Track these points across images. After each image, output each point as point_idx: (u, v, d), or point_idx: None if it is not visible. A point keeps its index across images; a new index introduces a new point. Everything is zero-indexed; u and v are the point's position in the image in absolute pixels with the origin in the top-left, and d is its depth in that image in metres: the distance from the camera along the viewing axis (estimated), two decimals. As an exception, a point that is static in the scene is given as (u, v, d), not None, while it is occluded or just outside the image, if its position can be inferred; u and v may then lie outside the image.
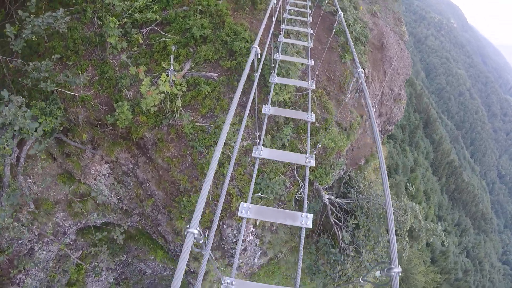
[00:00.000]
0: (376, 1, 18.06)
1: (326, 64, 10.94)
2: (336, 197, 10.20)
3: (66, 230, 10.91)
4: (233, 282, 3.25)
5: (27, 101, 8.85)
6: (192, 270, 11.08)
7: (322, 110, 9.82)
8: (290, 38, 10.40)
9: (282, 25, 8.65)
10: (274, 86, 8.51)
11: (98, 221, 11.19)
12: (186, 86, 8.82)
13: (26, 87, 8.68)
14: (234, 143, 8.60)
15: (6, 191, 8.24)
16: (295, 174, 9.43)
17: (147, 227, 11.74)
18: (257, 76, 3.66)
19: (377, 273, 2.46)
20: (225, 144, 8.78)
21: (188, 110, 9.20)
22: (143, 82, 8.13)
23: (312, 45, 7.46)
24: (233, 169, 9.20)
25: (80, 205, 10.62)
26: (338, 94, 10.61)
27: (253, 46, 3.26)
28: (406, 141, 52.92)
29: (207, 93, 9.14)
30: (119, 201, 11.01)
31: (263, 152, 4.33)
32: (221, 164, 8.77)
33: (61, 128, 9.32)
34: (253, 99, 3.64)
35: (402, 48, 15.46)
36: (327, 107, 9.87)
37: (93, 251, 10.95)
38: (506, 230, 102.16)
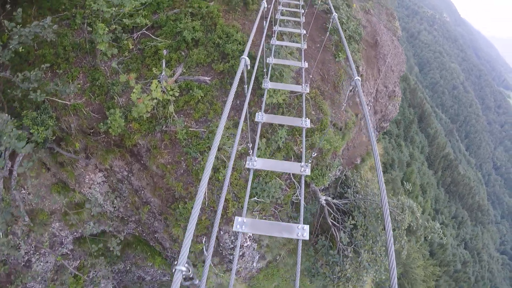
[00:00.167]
0: (368, -3, 18.01)
1: (320, 64, 10.85)
2: (333, 198, 10.14)
3: (63, 240, 10.78)
4: (245, 220, 3.44)
5: (18, 110, 8.76)
6: (191, 276, 10.96)
7: (317, 111, 9.73)
8: (283, 39, 10.30)
9: (274, 27, 8.53)
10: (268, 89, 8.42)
11: (95, 230, 11.07)
12: (178, 91, 8.71)
13: (17, 97, 8.53)
14: (229, 147, 8.50)
15: (0, 206, 8.10)
16: (291, 176, 9.35)
17: (144, 234, 11.62)
18: (249, 90, 3.55)
19: None
20: (219, 149, 8.68)
21: (181, 116, 9.08)
22: (134, 90, 8.01)
23: (305, 46, 7.35)
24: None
25: (75, 217, 10.51)
26: (333, 93, 10.53)
27: (242, 57, 3.14)
28: (401, 136, 53.07)
29: (200, 97, 9.03)
30: (115, 209, 10.89)
31: (257, 163, 4.20)
32: (215, 170, 8.67)
33: (54, 138, 9.18)
34: (246, 103, 3.53)
35: (396, 45, 15.41)
36: (322, 108, 9.79)
37: (90, 263, 10.85)
38: (503, 220, 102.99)
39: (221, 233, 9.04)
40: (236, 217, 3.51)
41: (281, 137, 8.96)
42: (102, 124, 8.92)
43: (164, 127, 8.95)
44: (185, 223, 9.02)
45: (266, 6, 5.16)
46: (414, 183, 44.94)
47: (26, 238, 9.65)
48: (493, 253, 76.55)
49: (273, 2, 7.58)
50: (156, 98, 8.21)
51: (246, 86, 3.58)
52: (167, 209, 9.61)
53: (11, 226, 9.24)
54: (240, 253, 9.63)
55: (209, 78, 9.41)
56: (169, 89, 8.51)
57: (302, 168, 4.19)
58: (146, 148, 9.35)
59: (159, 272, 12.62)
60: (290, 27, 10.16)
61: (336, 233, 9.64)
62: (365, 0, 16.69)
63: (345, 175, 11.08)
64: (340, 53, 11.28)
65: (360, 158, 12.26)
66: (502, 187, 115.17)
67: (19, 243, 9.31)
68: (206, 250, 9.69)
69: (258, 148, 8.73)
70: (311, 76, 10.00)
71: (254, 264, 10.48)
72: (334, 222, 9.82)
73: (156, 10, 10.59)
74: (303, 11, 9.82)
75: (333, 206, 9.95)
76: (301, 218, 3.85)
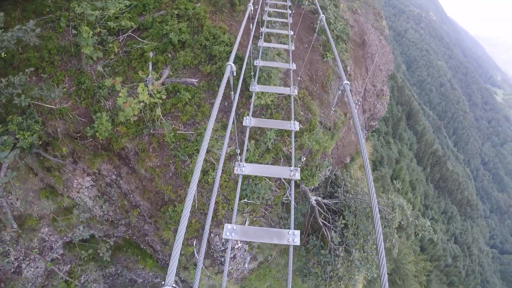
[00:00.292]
0: (356, -3, 18.11)
1: (308, 64, 10.87)
2: (323, 198, 10.16)
3: (53, 245, 10.64)
4: (234, 227, 3.44)
5: (3, 116, 8.58)
6: (182, 278, 10.93)
7: (305, 111, 9.74)
8: (270, 41, 10.28)
9: (261, 28, 8.49)
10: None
11: (84, 234, 10.96)
12: (165, 93, 8.62)
13: (1, 103, 8.37)
14: (218, 150, 8.45)
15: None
16: (281, 177, 9.34)
17: (134, 237, 11.52)
18: (235, 97, 3.50)
19: None
20: (208, 151, 8.63)
21: (169, 118, 8.99)
22: (120, 94, 7.90)
23: (293, 47, 7.31)
24: (218, 176, 9.06)
25: (64, 223, 10.38)
26: (321, 93, 10.55)
27: (228, 63, 3.07)
28: (390, 133, 53.52)
29: (187, 100, 8.95)
30: (104, 213, 10.77)
31: (245, 168, 4.13)
32: (204, 172, 8.61)
33: (40, 143, 9.02)
34: (234, 110, 3.49)
35: (383, 44, 15.53)
36: (311, 108, 9.80)
37: (80, 269, 10.72)
38: (492, 215, 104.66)
39: (212, 235, 8.99)
40: (225, 224, 3.47)
41: (270, 139, 8.94)
42: (89, 128, 8.80)
43: (151, 130, 8.85)
44: (175, 226, 8.94)
45: (252, 9, 5.11)
46: (403, 180, 45.36)
47: (15, 245, 9.50)
48: (483, 247, 77.73)
49: (260, 3, 7.55)
50: (143, 101, 8.12)
51: (233, 92, 3.53)
52: (156, 212, 9.52)
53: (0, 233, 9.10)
54: (232, 255, 9.60)
55: (197, 80, 9.34)
56: (156, 92, 8.42)
57: (292, 173, 4.14)
58: (134, 152, 9.25)
59: (150, 274, 12.54)
60: (278, 28, 10.14)
61: (327, 233, 9.66)
62: (352, 0, 16.78)
63: (335, 174, 11.11)
64: (328, 53, 11.31)
65: (350, 157, 12.32)
66: (491, 182, 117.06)
67: (8, 250, 9.16)
68: (197, 253, 9.61)
69: (247, 150, 8.70)
70: (299, 77, 9.99)
71: (246, 265, 10.45)
72: (325, 222, 9.84)
73: (142, 12, 10.47)
74: (290, 11, 9.80)
75: (324, 206, 9.97)
76: (292, 224, 3.81)
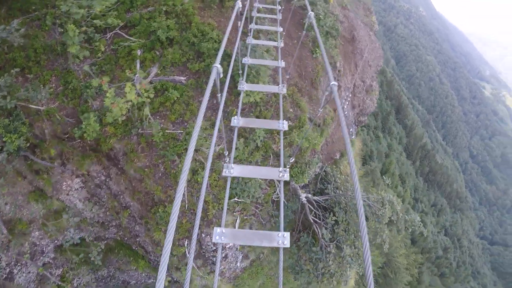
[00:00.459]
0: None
1: (298, 60, 10.82)
2: (313, 195, 10.16)
3: (44, 249, 10.53)
4: (224, 231, 3.33)
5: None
6: (175, 279, 10.87)
7: (294, 108, 9.71)
8: (259, 37, 10.18)
9: (250, 25, 8.38)
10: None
11: (76, 236, 10.84)
12: (153, 92, 8.50)
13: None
14: (207, 149, 8.37)
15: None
16: (272, 174, 9.30)
17: (126, 239, 11.42)
18: (222, 99, 3.42)
19: None
20: (197, 150, 8.55)
21: (157, 117, 8.88)
22: (107, 94, 7.76)
23: (282, 44, 7.21)
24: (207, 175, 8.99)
25: (55, 227, 10.24)
26: (310, 90, 10.53)
27: (214, 65, 2.98)
28: (379, 127, 53.75)
29: (175, 98, 8.84)
30: (95, 215, 10.64)
31: (234, 170, 4.06)
32: (194, 172, 8.54)
33: (28, 145, 8.84)
34: (220, 111, 3.42)
35: (372, 40, 15.56)
36: (300, 105, 9.76)
37: (72, 274, 10.63)
38: (481, 207, 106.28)
39: (203, 235, 8.94)
40: (215, 228, 3.41)
41: (259, 137, 8.89)
42: (76, 129, 8.68)
43: (140, 130, 8.74)
44: (166, 227, 8.81)
45: (240, 6, 5.02)
46: (393, 174, 45.68)
47: (6, 251, 9.36)
48: (473, 239, 78.91)
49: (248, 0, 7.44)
50: (131, 101, 8.00)
51: (220, 95, 3.45)
52: (147, 213, 9.43)
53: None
54: (223, 255, 9.56)
55: (185, 78, 9.23)
56: (144, 91, 8.30)
57: (281, 174, 4.07)
58: (122, 152, 9.13)
59: (143, 275, 12.47)
60: (267, 24, 10.05)
61: (318, 229, 9.68)
62: (342, -5, 16.75)
63: (324, 171, 11.13)
64: (317, 49, 11.28)
65: (339, 153, 12.34)
66: (479, 175, 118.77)
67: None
68: (188, 253, 9.54)
69: (236, 148, 8.63)
70: (288, 73, 9.94)
71: (238, 264, 10.42)
72: (316, 219, 9.85)
73: (130, 9, 10.28)
74: (280, 7, 9.70)
75: (314, 203, 9.98)
76: (281, 226, 3.76)
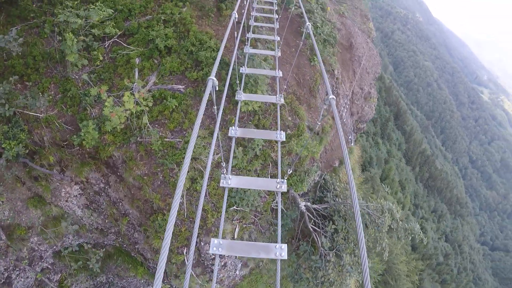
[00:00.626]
0: (343, 0, 18.23)
1: (296, 68, 10.87)
2: (312, 203, 10.15)
3: (42, 254, 10.52)
4: (221, 242, 3.38)
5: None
6: (174, 287, 10.80)
7: (293, 116, 9.72)
8: (257, 46, 10.24)
9: (248, 33, 8.44)
10: (243, 92, 8.32)
11: (74, 243, 10.83)
12: (152, 101, 8.53)
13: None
14: (205, 158, 8.37)
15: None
16: (270, 182, 9.29)
17: (124, 245, 11.40)
18: (219, 111, 3.44)
19: None
20: (196, 159, 8.54)
21: (156, 126, 8.89)
22: (106, 103, 7.79)
23: (279, 54, 7.24)
24: (206, 184, 8.98)
25: (53, 232, 10.23)
26: (309, 98, 10.56)
27: (210, 78, 2.99)
28: (378, 134, 53.87)
29: (174, 107, 8.86)
30: (94, 221, 10.64)
31: (231, 181, 4.08)
32: (193, 180, 8.53)
33: (27, 151, 8.85)
34: (218, 124, 3.43)
35: (370, 47, 15.65)
36: (298, 113, 9.78)
37: (70, 281, 10.59)
38: (482, 212, 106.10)
39: (202, 244, 8.89)
40: (212, 239, 3.41)
41: (258, 145, 8.90)
42: (75, 137, 8.67)
43: (139, 138, 8.74)
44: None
45: (237, 16, 5.07)
46: (393, 180, 45.69)
47: (4, 257, 9.34)
48: (473, 245, 78.64)
49: (246, 7, 7.49)
50: (129, 109, 8.02)
51: (216, 107, 3.47)
52: (146, 221, 9.41)
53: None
54: (222, 263, 9.51)
55: (183, 86, 9.26)
56: (143, 100, 8.32)
57: (278, 185, 4.08)
58: (121, 160, 9.12)
59: (142, 282, 12.42)
60: (264, 33, 10.10)
61: (317, 238, 9.64)
62: (340, 3, 16.88)
63: (324, 179, 11.11)
64: (315, 57, 11.33)
65: (339, 161, 12.34)
66: (479, 180, 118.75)
67: None
68: (187, 261, 9.48)
69: (235, 157, 8.63)
70: (287, 82, 9.97)
71: (237, 272, 10.36)
72: (315, 227, 9.82)
73: (128, 17, 10.35)
74: (277, 16, 9.77)
75: (313, 211, 9.95)
76: (279, 237, 3.76)
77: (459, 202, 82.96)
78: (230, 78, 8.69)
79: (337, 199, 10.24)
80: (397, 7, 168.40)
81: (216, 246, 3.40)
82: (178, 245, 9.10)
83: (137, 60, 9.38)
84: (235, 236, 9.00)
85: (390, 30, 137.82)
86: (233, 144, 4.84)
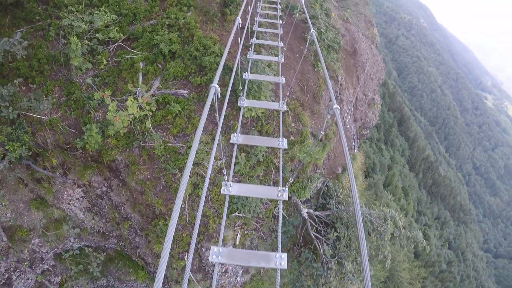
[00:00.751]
0: (347, 6, 18.25)
1: (299, 74, 10.85)
2: (315, 210, 10.09)
3: (43, 256, 10.52)
4: (221, 250, 3.36)
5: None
6: (175, 292, 10.76)
7: (296, 123, 9.69)
8: (261, 51, 10.23)
9: (251, 39, 8.43)
10: (246, 97, 8.30)
11: (76, 245, 10.82)
12: (155, 105, 8.53)
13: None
14: (208, 163, 8.35)
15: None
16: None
17: (126, 249, 11.39)
18: (221, 117, 3.42)
19: None
20: (199, 164, 8.52)
21: (159, 131, 8.89)
22: (109, 108, 7.78)
23: (283, 60, 7.22)
24: (208, 189, 8.96)
25: (54, 235, 10.23)
26: (312, 104, 10.53)
27: (212, 85, 2.97)
28: (382, 140, 53.73)
29: (177, 112, 8.86)
30: (95, 224, 10.65)
31: (232, 188, 4.03)
32: (195, 186, 8.50)
33: (30, 154, 8.87)
34: (218, 132, 3.40)
35: (374, 53, 15.62)
36: (302, 119, 9.75)
37: (70, 285, 10.58)
38: (485, 219, 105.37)
39: (203, 250, 8.85)
40: (212, 247, 3.38)
41: (260, 151, 8.87)
42: (78, 140, 8.68)
43: (142, 142, 8.74)
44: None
45: (240, 22, 5.06)
46: (396, 186, 45.49)
47: (5, 258, 9.35)
48: (477, 252, 78.06)
49: (250, 13, 7.49)
50: (133, 114, 8.03)
51: (218, 114, 3.45)
52: (148, 225, 9.39)
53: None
54: (223, 269, 9.46)
55: (187, 91, 9.26)
56: (146, 104, 8.32)
57: (279, 193, 4.02)
58: (124, 164, 9.12)
59: (142, 286, 12.41)
60: (268, 39, 10.10)
61: (319, 245, 9.57)
62: (344, 9, 16.90)
63: (326, 185, 11.05)
64: (319, 62, 11.31)
65: (341, 167, 12.28)
66: (483, 187, 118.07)
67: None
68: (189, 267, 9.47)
69: (237, 163, 8.61)
70: (290, 87, 9.95)
71: (238, 279, 10.30)
72: (317, 235, 9.75)
73: (133, 21, 10.38)
74: (281, 22, 9.76)
75: (315, 218, 9.89)
76: (279, 246, 3.72)
77: (463, 209, 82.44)
78: (234, 83, 8.70)
79: (339, 206, 10.18)
80: (401, 12, 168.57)
81: (216, 254, 3.38)
82: (179, 251, 9.06)
83: (141, 65, 9.40)
84: (237, 243, 8.96)
85: (394, 36, 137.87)
86: (234, 151, 4.81)
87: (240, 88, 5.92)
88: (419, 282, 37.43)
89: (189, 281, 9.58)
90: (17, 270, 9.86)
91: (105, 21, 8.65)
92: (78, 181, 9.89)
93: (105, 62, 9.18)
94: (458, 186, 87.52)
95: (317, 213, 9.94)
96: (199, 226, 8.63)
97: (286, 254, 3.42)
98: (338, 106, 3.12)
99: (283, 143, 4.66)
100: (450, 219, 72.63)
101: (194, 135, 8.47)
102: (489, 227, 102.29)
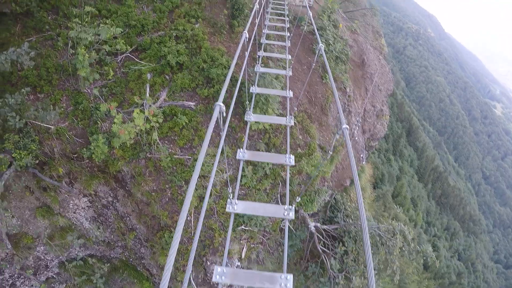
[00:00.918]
0: (355, 17, 18.25)
1: (307, 86, 10.79)
2: (322, 223, 9.92)
3: (48, 264, 10.51)
4: (225, 270, 3.28)
5: (0, 133, 8.46)
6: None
7: (304, 135, 9.60)
8: (268, 63, 10.19)
9: (259, 52, 8.37)
10: (254, 110, 8.23)
11: (81, 254, 10.79)
12: (162, 117, 8.51)
13: (-3, 120, 8.26)
14: (215, 175, 8.27)
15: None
16: (279, 202, 9.13)
17: (131, 260, 11.33)
18: (224, 132, 3.35)
19: None
20: (205, 177, 8.45)
21: (166, 142, 8.86)
22: (115, 120, 7.77)
23: (290, 73, 7.10)
24: (214, 202, 8.87)
25: (59, 243, 10.21)
26: (320, 116, 10.44)
27: (217, 103, 2.91)
28: (390, 150, 53.20)
29: (184, 123, 8.83)
30: (101, 234, 10.61)
31: (238, 206, 3.92)
32: (201, 198, 8.43)
33: (37, 162, 8.89)
34: (220, 147, 3.33)
35: (382, 64, 15.53)
36: (309, 131, 9.66)
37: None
38: (495, 229, 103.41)
39: (208, 263, 8.74)
40: (215, 266, 3.29)
41: (267, 164, 8.78)
42: (85, 150, 8.69)
43: (148, 154, 8.71)
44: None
45: (247, 36, 5.00)
46: (405, 197, 44.88)
47: (9, 265, 9.35)
48: (487, 263, 76.50)
49: (256, 25, 7.44)
50: (139, 125, 8.01)
51: (222, 132, 3.38)
52: (153, 237, 9.32)
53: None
54: (229, 284, 9.31)
55: (194, 103, 9.23)
56: (153, 116, 8.30)
57: (286, 212, 3.87)
58: (130, 175, 9.09)
59: (147, 296, 12.28)
60: (276, 50, 10.05)
61: (326, 260, 9.39)
62: (352, 20, 16.87)
63: (334, 198, 10.88)
64: (327, 74, 11.24)
65: (350, 180, 12.11)
66: (493, 196, 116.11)
67: (3, 267, 9.01)
68: (193, 280, 9.30)
69: (244, 176, 8.52)
70: (298, 99, 9.87)
71: (244, 294, 10.14)
72: (324, 249, 9.57)
73: (141, 32, 10.45)
74: (289, 34, 9.71)
75: (323, 232, 9.72)
76: (285, 267, 3.61)
77: (472, 219, 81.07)
78: (242, 96, 8.65)
79: (347, 220, 10.00)
80: (409, 22, 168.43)
81: (220, 274, 3.29)
82: (184, 263, 8.97)
83: (148, 76, 9.41)
84: (243, 256, 8.82)
85: (402, 46, 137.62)
86: (240, 167, 4.70)
87: (247, 102, 5.82)
88: (428, 294, 36.67)
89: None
90: (21, 277, 9.84)
91: (112, 34, 8.69)
92: (84, 190, 9.88)
93: (112, 74, 9.21)
94: (467, 196, 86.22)
95: (324, 226, 9.77)
96: (205, 240, 8.53)
97: (291, 275, 3.32)
98: (348, 126, 3.03)
99: (290, 159, 4.52)
100: (459, 230, 71.41)
101: (201, 147, 8.42)
102: (499, 237, 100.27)
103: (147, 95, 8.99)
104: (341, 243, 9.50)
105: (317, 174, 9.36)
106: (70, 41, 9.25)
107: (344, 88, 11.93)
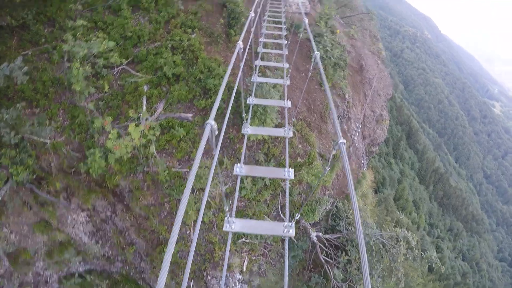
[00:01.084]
0: (352, 22, 18.22)
1: (306, 93, 10.70)
2: (325, 232, 9.76)
3: (48, 279, 10.37)
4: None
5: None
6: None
7: (303, 143, 9.48)
8: (266, 72, 10.09)
9: (256, 61, 8.23)
10: (252, 120, 8.11)
11: (81, 269, 10.63)
12: (159, 130, 8.39)
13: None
14: (213, 188, 8.14)
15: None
16: (280, 213, 8.98)
17: (131, 274, 11.16)
18: (216, 153, 3.20)
19: None
20: (203, 190, 8.31)
21: (163, 155, 8.73)
22: (110, 136, 7.63)
23: (288, 82, 6.98)
24: (214, 215, 8.73)
25: (58, 259, 10.07)
26: (320, 123, 10.33)
27: (207, 122, 2.71)
28: (391, 154, 53.15)
29: (182, 136, 8.71)
30: (100, 248, 10.47)
31: (235, 225, 3.71)
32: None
33: (34, 177, 8.76)
34: (213, 167, 3.19)
35: (381, 68, 15.47)
36: (309, 140, 9.54)
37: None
38: (499, 228, 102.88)
39: (209, 278, 8.57)
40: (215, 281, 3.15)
41: (267, 174, 8.64)
42: (82, 164, 8.56)
43: (145, 167, 8.58)
44: (172, 267, 8.58)
45: (241, 47, 4.87)
46: (407, 200, 44.72)
47: (7, 283, 9.22)
48: (492, 262, 76.03)
49: (252, 33, 7.32)
50: (135, 139, 7.88)
51: (215, 150, 3.23)
52: (152, 251, 9.18)
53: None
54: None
55: (191, 115, 9.12)
56: (150, 129, 8.18)
57: (286, 229, 3.63)
58: (128, 189, 8.97)
59: (148, 310, 12.11)
60: (273, 59, 9.95)
61: (329, 269, 9.21)
62: (349, 25, 16.84)
63: (336, 206, 10.72)
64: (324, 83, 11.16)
65: (351, 186, 11.96)
66: (495, 195, 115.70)
67: (0, 284, 8.86)
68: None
69: (243, 188, 8.38)
70: (297, 108, 9.75)
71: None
72: (327, 259, 9.41)
73: (137, 44, 10.35)
74: (286, 42, 9.57)
75: (325, 241, 9.56)
76: (286, 285, 3.43)
77: (475, 219, 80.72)
78: (239, 106, 8.54)
79: (350, 228, 9.84)
80: (406, 25, 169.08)
81: None
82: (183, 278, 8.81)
83: (145, 88, 9.32)
84: (244, 269, 8.66)
85: (399, 49, 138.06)
86: (238, 183, 4.51)
87: (244, 114, 5.64)
88: (434, 297, 36.32)
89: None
90: (21, 293, 9.72)
91: (105, 47, 8.57)
92: (82, 205, 9.76)
93: (107, 87, 9.08)
94: (469, 196, 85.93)
95: (326, 236, 9.61)
96: (205, 254, 8.37)
97: None
98: (345, 141, 2.87)
99: (289, 173, 4.30)
100: (463, 230, 71.08)
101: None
102: (503, 236, 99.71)
103: (144, 108, 8.88)
104: (344, 252, 9.34)
105: (318, 185, 9.22)
106: (66, 54, 9.17)
107: (343, 94, 11.83)
